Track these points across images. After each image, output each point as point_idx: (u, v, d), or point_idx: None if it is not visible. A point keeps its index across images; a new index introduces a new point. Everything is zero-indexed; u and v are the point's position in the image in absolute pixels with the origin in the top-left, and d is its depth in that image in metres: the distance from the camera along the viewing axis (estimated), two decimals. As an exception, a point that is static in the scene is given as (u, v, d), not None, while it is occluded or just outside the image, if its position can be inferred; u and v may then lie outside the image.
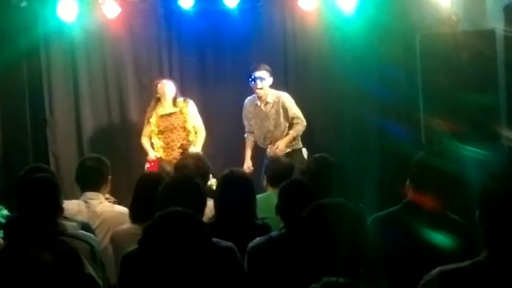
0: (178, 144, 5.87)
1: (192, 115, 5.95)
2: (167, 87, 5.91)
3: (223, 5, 6.17)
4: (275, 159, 4.74)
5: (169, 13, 6.45)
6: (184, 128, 5.91)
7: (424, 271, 2.11)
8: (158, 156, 5.86)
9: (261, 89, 5.83)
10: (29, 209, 2.95)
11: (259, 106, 5.96)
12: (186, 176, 3.33)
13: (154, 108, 5.93)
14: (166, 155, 5.87)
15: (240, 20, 6.30)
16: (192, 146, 5.84)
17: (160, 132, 5.91)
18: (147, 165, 5.80)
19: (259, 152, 6.12)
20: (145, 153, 5.97)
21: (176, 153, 5.83)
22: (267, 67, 5.84)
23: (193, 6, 6.18)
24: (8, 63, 5.87)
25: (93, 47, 6.42)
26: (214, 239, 2.78)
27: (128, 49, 6.48)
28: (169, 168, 5.64)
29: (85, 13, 6.12)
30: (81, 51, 6.38)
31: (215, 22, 6.41)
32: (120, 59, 6.49)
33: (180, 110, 5.92)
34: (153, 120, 5.92)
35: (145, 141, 6.01)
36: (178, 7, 6.21)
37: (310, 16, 6.24)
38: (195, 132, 5.96)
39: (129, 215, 3.57)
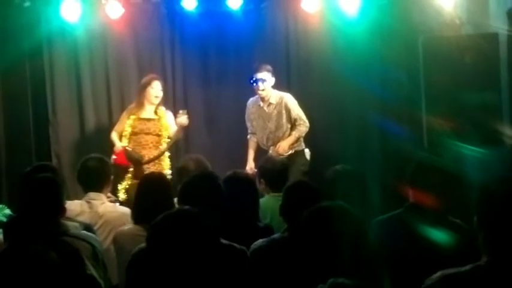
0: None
1: (170, 125, 5.83)
2: (160, 92, 5.80)
3: (227, 6, 6.18)
4: (268, 159, 4.73)
5: (173, 14, 6.45)
6: (159, 135, 5.80)
7: (426, 273, 2.11)
8: (124, 146, 5.73)
9: (263, 90, 5.79)
10: (31, 209, 2.95)
11: (262, 107, 5.94)
12: (206, 174, 3.36)
13: (137, 111, 5.81)
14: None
15: (243, 22, 6.30)
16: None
17: (134, 134, 5.78)
18: (114, 156, 5.66)
19: (262, 154, 6.11)
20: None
21: (145, 152, 5.72)
22: (268, 67, 5.79)
23: (196, 8, 6.18)
24: (11, 63, 5.88)
25: (96, 48, 6.42)
26: (226, 242, 2.79)
27: (131, 50, 6.48)
28: (137, 155, 5.64)
29: (88, 13, 6.12)
30: (84, 52, 6.38)
31: (218, 23, 6.41)
32: (123, 59, 6.48)
33: (159, 118, 5.81)
34: (129, 121, 5.78)
35: (114, 135, 5.86)
36: (182, 8, 6.21)
37: (313, 18, 6.24)
38: (168, 137, 5.84)
39: (132, 216, 3.58)
